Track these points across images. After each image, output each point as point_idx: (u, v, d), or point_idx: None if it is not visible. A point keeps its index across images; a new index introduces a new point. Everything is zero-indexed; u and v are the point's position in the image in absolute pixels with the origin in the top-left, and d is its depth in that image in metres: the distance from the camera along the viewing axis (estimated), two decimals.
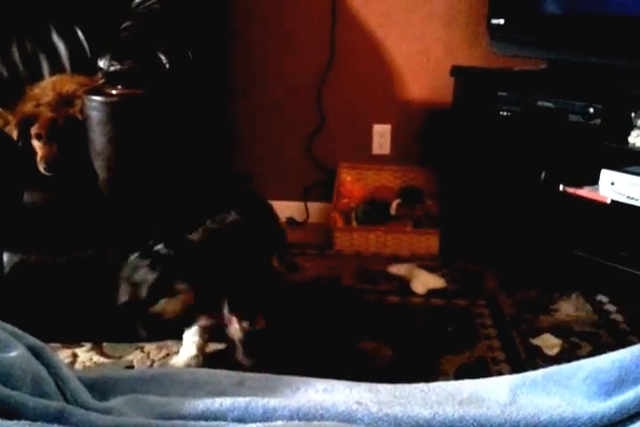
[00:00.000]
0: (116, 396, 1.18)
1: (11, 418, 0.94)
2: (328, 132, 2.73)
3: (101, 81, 1.69)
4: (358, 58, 2.64)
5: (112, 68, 1.67)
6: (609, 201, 1.98)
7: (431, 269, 2.29)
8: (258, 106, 2.71)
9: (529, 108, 2.11)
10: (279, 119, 2.72)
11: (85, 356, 1.77)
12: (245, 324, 1.63)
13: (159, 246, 1.46)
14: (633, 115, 1.91)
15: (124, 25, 1.95)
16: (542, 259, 2.19)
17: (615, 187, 1.96)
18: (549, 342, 1.84)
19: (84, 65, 2.11)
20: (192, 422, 1.08)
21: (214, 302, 1.57)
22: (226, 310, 1.60)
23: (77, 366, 1.72)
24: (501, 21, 2.18)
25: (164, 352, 1.79)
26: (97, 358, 1.76)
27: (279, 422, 1.07)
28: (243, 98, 2.66)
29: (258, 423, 1.07)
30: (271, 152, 2.74)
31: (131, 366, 1.72)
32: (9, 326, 1.15)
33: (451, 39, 2.58)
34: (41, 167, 1.70)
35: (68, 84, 1.88)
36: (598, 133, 1.96)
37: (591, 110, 1.96)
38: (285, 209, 2.60)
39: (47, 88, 1.89)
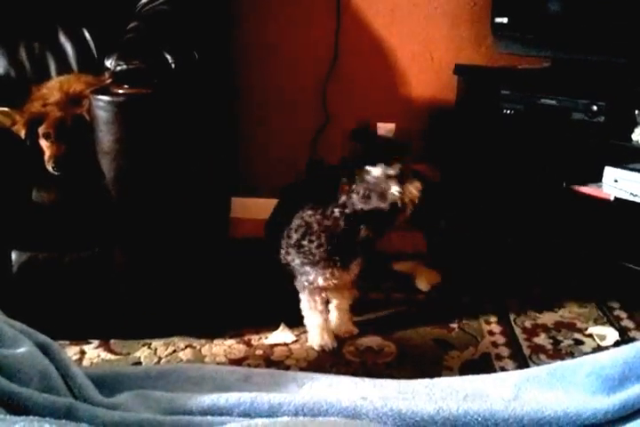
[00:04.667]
0: (123, 392, 1.19)
1: (19, 414, 0.96)
2: (333, 131, 2.73)
3: (108, 81, 1.70)
4: (362, 56, 2.64)
5: (119, 68, 1.67)
6: (612, 198, 1.99)
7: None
8: (262, 104, 2.71)
9: (532, 106, 2.12)
10: (284, 118, 2.73)
11: (93, 353, 1.78)
12: None
13: None
14: (636, 112, 1.92)
15: (131, 25, 1.95)
16: (545, 255, 2.20)
17: (619, 184, 1.97)
18: (553, 339, 1.85)
19: (90, 65, 2.12)
20: (198, 418, 1.10)
21: None
22: None
23: (85, 362, 1.73)
24: (505, 20, 2.19)
25: (170, 349, 1.80)
26: (104, 354, 1.78)
27: (285, 418, 1.08)
28: (247, 97, 2.67)
29: (263, 419, 1.08)
30: (276, 150, 2.75)
31: (138, 363, 1.73)
32: (18, 324, 1.17)
33: (454, 38, 2.58)
34: (49, 166, 1.71)
35: (76, 83, 1.89)
36: (601, 131, 1.96)
37: (594, 108, 1.96)
38: None
39: (54, 88, 1.89)
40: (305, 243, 1.71)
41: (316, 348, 1.79)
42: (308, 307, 1.81)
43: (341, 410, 1.12)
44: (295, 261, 1.75)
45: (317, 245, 1.70)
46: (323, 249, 1.69)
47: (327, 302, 1.86)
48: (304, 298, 1.80)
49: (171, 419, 1.09)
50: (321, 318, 1.81)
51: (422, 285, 2.18)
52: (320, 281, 1.73)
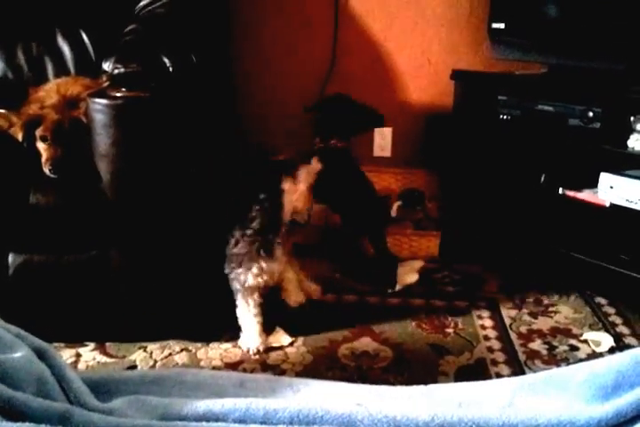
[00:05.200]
0: (118, 397, 1.19)
1: (15, 419, 0.96)
2: None
3: (106, 84, 1.70)
4: (360, 61, 2.65)
5: (116, 71, 1.67)
6: (608, 204, 1.99)
7: (431, 271, 2.32)
8: (260, 108, 2.72)
9: (529, 111, 2.12)
10: (282, 121, 2.73)
11: (89, 355, 1.79)
12: None
13: None
14: (632, 119, 1.92)
15: (128, 28, 1.95)
16: (541, 261, 2.20)
17: (614, 190, 1.97)
18: (548, 344, 1.86)
19: (88, 68, 2.12)
20: (193, 424, 1.09)
21: None
22: None
23: (81, 365, 1.74)
24: (502, 26, 2.19)
25: (166, 352, 1.80)
26: (100, 357, 1.78)
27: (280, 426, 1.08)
28: (246, 100, 2.67)
29: (258, 425, 1.09)
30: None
31: (134, 366, 1.74)
32: (13, 328, 1.17)
33: (452, 43, 2.59)
34: (46, 169, 1.71)
35: (73, 86, 1.88)
36: (597, 137, 1.97)
37: (590, 114, 1.97)
38: None
39: (52, 90, 1.89)
40: (235, 251, 1.80)
41: (245, 350, 1.82)
42: (243, 310, 1.85)
43: (337, 416, 1.12)
44: (230, 270, 1.82)
45: (240, 247, 1.79)
46: (244, 245, 1.79)
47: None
48: (239, 302, 1.84)
49: (166, 425, 1.09)
50: (255, 320, 1.84)
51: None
52: (250, 279, 1.79)
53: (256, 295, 1.83)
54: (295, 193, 1.79)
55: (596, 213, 2.03)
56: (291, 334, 1.88)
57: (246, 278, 1.79)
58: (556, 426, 1.11)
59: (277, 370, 1.73)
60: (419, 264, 2.32)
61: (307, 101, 2.69)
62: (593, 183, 2.04)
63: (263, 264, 1.79)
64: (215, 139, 2.11)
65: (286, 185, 1.77)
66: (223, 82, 2.33)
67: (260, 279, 1.80)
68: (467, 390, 1.32)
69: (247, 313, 1.84)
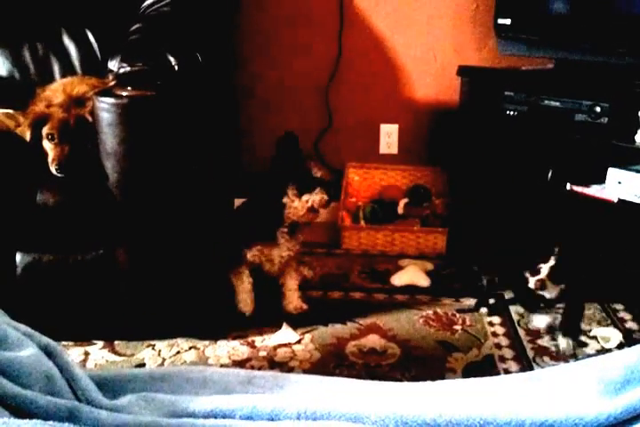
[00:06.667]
0: (126, 394, 1.19)
1: (22, 417, 0.96)
2: (335, 132, 2.73)
3: (112, 83, 1.70)
4: (366, 58, 2.65)
5: (122, 70, 1.68)
6: (616, 200, 1.98)
7: (438, 268, 2.32)
8: (265, 106, 2.72)
9: (536, 107, 2.11)
10: (287, 119, 2.73)
11: (97, 354, 1.79)
12: None
13: None
14: None
15: (134, 27, 1.96)
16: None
17: (622, 185, 1.96)
18: (557, 341, 1.85)
19: (94, 67, 2.13)
20: (201, 420, 1.10)
21: None
22: None
23: (89, 364, 1.74)
24: (508, 21, 2.19)
25: (174, 350, 1.81)
26: (109, 356, 1.79)
27: (287, 422, 1.08)
28: (250, 98, 2.68)
29: (265, 421, 1.09)
30: None
31: (142, 364, 1.74)
32: (22, 326, 1.17)
33: (458, 39, 2.58)
34: (53, 168, 1.71)
35: (79, 85, 1.88)
36: (605, 132, 1.96)
37: (598, 109, 1.96)
38: None
39: (58, 90, 1.89)
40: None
41: (245, 312, 1.98)
42: (237, 274, 2.00)
43: (344, 413, 1.12)
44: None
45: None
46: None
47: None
48: (236, 270, 2.01)
49: (173, 421, 1.09)
50: (247, 283, 2.00)
51: (395, 279, 2.23)
52: (248, 256, 1.98)
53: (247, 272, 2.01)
54: (295, 205, 1.90)
55: (604, 209, 2.02)
56: (298, 332, 1.89)
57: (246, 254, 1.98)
58: (564, 422, 1.11)
59: (285, 367, 1.73)
60: (430, 266, 2.31)
61: (311, 100, 2.70)
62: (601, 179, 2.03)
63: (263, 248, 1.97)
64: (217, 138, 2.11)
65: (287, 198, 1.89)
66: (226, 81, 2.33)
67: (256, 258, 1.98)
68: (474, 387, 1.31)
69: (241, 276, 1.99)
